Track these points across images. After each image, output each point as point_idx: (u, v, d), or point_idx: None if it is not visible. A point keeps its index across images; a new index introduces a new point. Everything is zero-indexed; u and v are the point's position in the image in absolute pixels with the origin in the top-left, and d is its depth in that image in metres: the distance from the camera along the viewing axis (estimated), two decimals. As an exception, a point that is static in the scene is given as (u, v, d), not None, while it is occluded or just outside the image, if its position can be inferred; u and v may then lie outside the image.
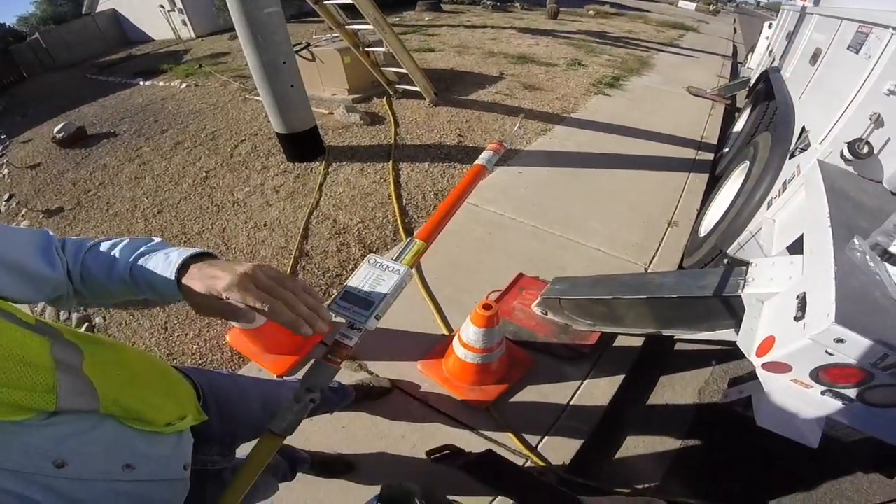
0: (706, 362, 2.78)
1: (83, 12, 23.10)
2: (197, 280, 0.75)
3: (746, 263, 1.94)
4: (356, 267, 3.06)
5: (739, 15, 35.72)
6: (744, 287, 1.80)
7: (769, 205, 2.48)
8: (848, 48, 2.39)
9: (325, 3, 5.55)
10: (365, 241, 3.57)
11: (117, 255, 0.84)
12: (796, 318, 1.43)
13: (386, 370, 2.44)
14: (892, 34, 1.92)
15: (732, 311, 1.86)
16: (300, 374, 2.41)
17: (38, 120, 9.11)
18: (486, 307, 2.03)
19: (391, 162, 4.70)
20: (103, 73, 13.27)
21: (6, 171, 6.54)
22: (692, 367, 2.77)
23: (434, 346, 2.53)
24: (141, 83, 10.40)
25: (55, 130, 6.74)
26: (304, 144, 4.83)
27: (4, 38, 22.87)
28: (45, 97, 12.28)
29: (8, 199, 5.49)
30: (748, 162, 3.19)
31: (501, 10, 18.95)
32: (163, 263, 0.79)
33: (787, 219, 2.25)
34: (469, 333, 2.09)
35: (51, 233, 0.85)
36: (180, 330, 2.89)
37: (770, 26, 6.99)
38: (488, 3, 19.90)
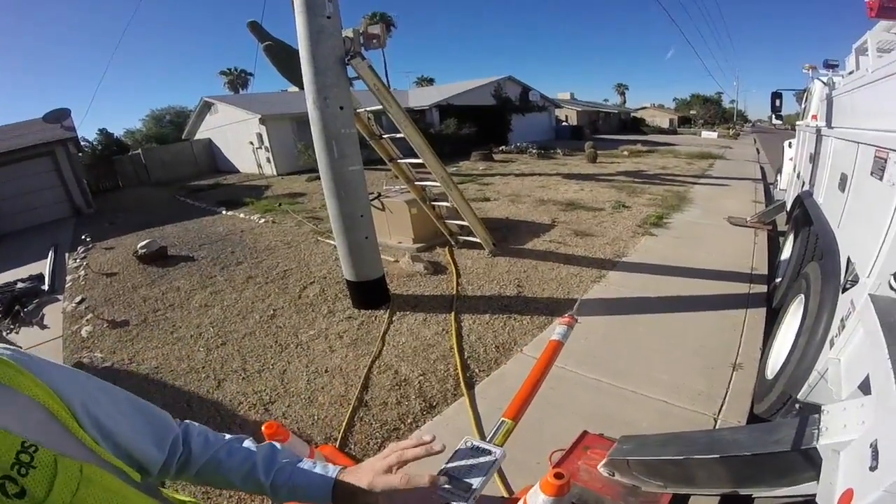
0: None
1: (183, 137, 26.13)
2: (352, 477, 0.93)
3: (819, 409, 1.84)
4: (416, 425, 3.10)
5: (758, 133, 36.44)
6: (818, 437, 1.69)
7: (831, 344, 2.33)
8: (871, 174, 2.30)
9: (398, 161, 6.22)
10: (426, 394, 3.55)
11: (258, 461, 0.94)
12: (871, 469, 1.34)
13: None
14: None
15: (812, 464, 1.73)
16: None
17: (124, 230, 10.04)
18: (558, 476, 1.98)
19: (453, 313, 4.80)
20: (190, 197, 14.69)
21: (83, 272, 7.07)
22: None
23: (493, 511, 2.44)
24: (223, 212, 11.38)
25: (139, 245, 7.36)
26: (371, 293, 5.07)
27: (110, 146, 25.14)
28: (135, 209, 13.58)
29: (79, 302, 5.85)
30: (803, 295, 3.08)
31: (546, 157, 20.49)
32: (319, 470, 0.95)
33: (852, 358, 2.12)
34: (538, 502, 2.04)
35: (175, 423, 0.92)
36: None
37: (790, 145, 6.99)
38: (534, 151, 21.58)
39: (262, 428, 2.45)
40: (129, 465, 0.76)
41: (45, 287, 6.71)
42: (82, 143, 20.26)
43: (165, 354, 4.43)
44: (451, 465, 1.08)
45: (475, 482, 1.02)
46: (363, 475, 0.92)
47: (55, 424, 0.61)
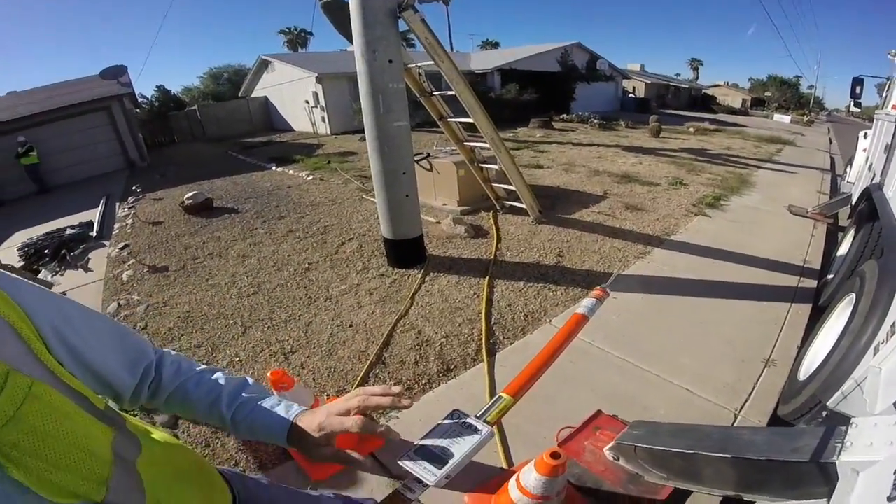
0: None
1: (240, 95, 26.55)
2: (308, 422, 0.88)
3: (847, 421, 1.69)
4: (430, 386, 3.03)
5: (832, 123, 34.44)
6: (840, 452, 1.55)
7: (875, 351, 2.14)
8: None
9: (448, 120, 6.08)
10: (445, 357, 3.49)
11: (223, 393, 0.92)
12: (889, 499, 1.19)
13: (428, 497, 2.30)
14: None
15: (826, 479, 1.60)
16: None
17: (175, 182, 10.36)
18: (554, 455, 1.88)
19: (487, 278, 4.70)
20: (243, 153, 14.93)
21: (130, 221, 7.40)
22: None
23: (489, 480, 2.33)
24: (273, 168, 11.55)
25: (185, 196, 7.61)
26: (407, 251, 5.02)
27: (167, 103, 25.98)
28: (187, 163, 13.96)
29: (122, 248, 6.13)
30: (854, 295, 2.83)
31: (607, 128, 19.75)
32: (281, 409, 0.91)
33: (894, 369, 1.93)
34: (530, 479, 1.93)
35: (152, 350, 0.92)
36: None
37: (866, 136, 6.54)
38: (595, 121, 20.74)
39: (268, 374, 2.48)
40: (103, 390, 0.79)
41: (94, 233, 7.05)
42: (140, 100, 20.91)
43: (198, 300, 4.55)
44: (429, 437, 0.98)
45: (451, 460, 0.91)
46: (319, 415, 0.88)
47: (18, 342, 0.61)
